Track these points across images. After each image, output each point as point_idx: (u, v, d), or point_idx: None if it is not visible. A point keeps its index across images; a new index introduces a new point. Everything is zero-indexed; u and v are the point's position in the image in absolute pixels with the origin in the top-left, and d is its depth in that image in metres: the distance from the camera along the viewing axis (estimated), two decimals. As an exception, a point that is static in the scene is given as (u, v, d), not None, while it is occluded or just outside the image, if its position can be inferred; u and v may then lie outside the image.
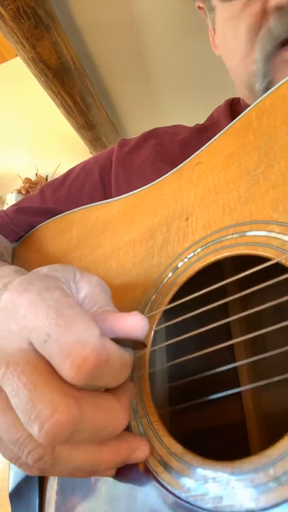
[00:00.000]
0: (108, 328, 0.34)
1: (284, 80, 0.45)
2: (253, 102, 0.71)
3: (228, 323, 0.51)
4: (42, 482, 0.47)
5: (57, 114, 2.27)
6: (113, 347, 0.32)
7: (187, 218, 0.48)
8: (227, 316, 0.39)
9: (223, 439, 0.49)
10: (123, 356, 0.33)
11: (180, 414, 0.49)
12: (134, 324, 0.34)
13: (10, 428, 0.32)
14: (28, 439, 0.31)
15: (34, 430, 0.29)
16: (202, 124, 0.83)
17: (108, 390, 0.35)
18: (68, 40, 1.81)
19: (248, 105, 0.76)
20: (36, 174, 3.19)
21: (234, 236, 0.42)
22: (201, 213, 0.47)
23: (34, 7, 1.52)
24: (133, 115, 2.47)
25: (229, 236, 0.42)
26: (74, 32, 1.85)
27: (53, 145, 2.89)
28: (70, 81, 1.96)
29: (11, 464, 0.51)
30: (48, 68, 1.83)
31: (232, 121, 0.73)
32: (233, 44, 0.67)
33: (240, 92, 0.75)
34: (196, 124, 0.84)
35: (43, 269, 0.38)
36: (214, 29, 0.78)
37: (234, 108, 0.81)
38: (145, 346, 0.37)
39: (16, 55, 2.08)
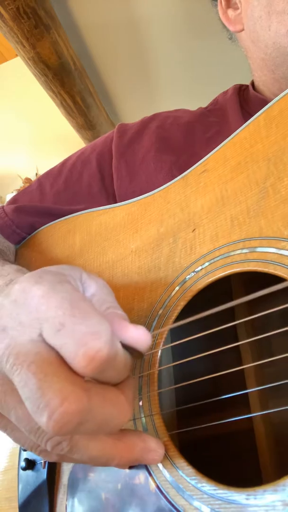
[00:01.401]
0: (114, 332, 0.34)
1: None
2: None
3: (234, 328, 0.51)
4: (52, 497, 0.46)
5: (57, 114, 2.27)
6: (120, 345, 0.33)
7: (194, 230, 0.47)
8: (233, 320, 0.39)
9: (231, 445, 0.49)
10: (126, 356, 0.34)
11: (186, 419, 0.49)
12: (138, 337, 0.35)
13: (28, 419, 0.32)
14: None
15: (43, 419, 0.28)
16: (205, 108, 0.80)
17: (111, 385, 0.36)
18: (68, 40, 1.81)
19: (259, 94, 0.75)
20: (36, 174, 3.19)
21: (244, 251, 0.41)
22: (208, 225, 0.46)
23: (34, 7, 1.51)
24: (133, 115, 2.46)
25: (238, 251, 0.41)
26: (74, 32, 1.85)
27: (53, 145, 2.89)
28: (70, 81, 1.95)
29: (19, 476, 0.51)
30: (48, 68, 1.82)
31: (240, 109, 0.72)
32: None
33: (271, 73, 0.70)
34: (199, 108, 0.81)
35: (51, 268, 0.38)
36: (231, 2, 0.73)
37: (242, 96, 0.78)
38: (142, 356, 0.38)
39: (16, 55, 2.08)
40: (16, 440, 0.38)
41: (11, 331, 0.33)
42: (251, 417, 0.47)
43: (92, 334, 0.30)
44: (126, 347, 0.34)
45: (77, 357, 0.29)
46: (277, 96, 0.66)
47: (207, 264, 0.44)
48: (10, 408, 0.33)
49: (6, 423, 0.37)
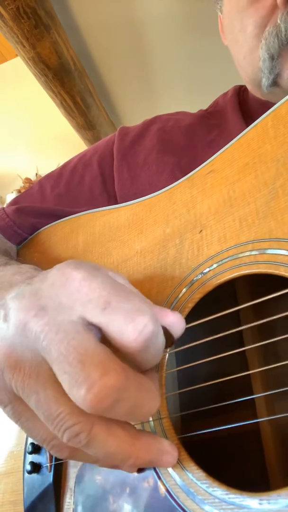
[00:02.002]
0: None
1: None
2: (260, 96, 0.71)
3: (240, 332, 0.51)
4: (58, 501, 0.46)
5: (57, 114, 2.26)
6: (160, 325, 0.33)
7: (201, 231, 0.46)
8: (239, 325, 0.39)
9: (236, 445, 0.48)
10: (163, 338, 0.34)
11: (190, 422, 0.48)
12: (174, 321, 0.36)
13: (50, 404, 0.32)
14: (68, 415, 0.32)
15: (81, 392, 0.29)
16: (205, 110, 0.80)
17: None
18: (68, 40, 1.80)
19: (255, 96, 0.75)
20: (36, 174, 3.18)
21: (253, 253, 0.40)
22: (216, 226, 0.45)
23: (34, 7, 1.51)
24: (133, 115, 2.46)
25: (248, 253, 0.41)
26: (74, 32, 1.85)
27: (53, 145, 2.89)
28: (70, 81, 1.95)
29: (24, 479, 0.50)
30: (48, 68, 1.82)
31: (239, 111, 0.72)
32: (240, 36, 0.64)
33: (247, 85, 0.73)
34: (200, 110, 0.81)
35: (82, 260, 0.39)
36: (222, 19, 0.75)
37: (241, 97, 0.78)
38: (173, 343, 0.39)
39: (16, 55, 2.07)
40: (28, 431, 0.37)
41: (50, 311, 0.33)
42: (257, 418, 0.47)
43: (138, 311, 0.31)
44: None
45: (127, 331, 0.31)
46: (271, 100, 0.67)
47: (215, 265, 0.43)
48: (32, 391, 0.33)
49: (22, 410, 0.36)
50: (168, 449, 0.37)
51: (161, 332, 0.33)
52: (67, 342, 0.31)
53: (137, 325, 0.31)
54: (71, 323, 0.32)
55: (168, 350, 0.43)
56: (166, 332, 0.36)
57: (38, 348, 0.33)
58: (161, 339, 0.33)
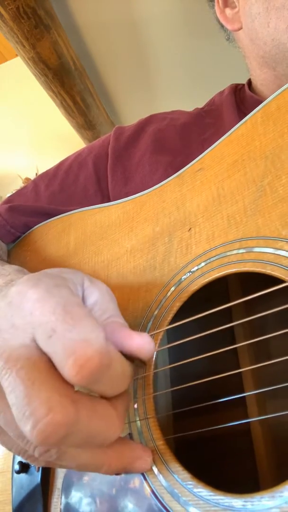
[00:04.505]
0: (115, 342, 0.34)
1: None
2: None
3: (232, 329, 0.50)
4: (46, 500, 0.46)
5: (57, 114, 2.26)
6: (117, 354, 0.32)
7: (190, 229, 0.46)
8: (231, 321, 0.38)
9: (227, 445, 0.48)
10: (125, 366, 0.33)
11: (182, 420, 0.48)
12: (142, 345, 0.34)
13: (17, 424, 0.31)
14: None
15: (27, 428, 0.28)
16: (201, 108, 0.79)
17: (105, 398, 0.34)
18: (68, 40, 1.80)
19: (254, 95, 0.74)
20: (36, 174, 3.19)
21: (241, 251, 0.40)
22: (204, 224, 0.45)
23: (34, 7, 1.51)
24: (133, 115, 2.46)
25: (235, 251, 0.40)
26: (74, 32, 1.84)
27: (53, 145, 2.89)
28: (70, 81, 1.95)
29: (13, 479, 0.50)
30: (48, 68, 1.82)
31: (236, 109, 0.71)
32: None
33: (272, 70, 0.69)
34: (196, 108, 0.80)
35: (53, 270, 0.37)
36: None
37: (238, 96, 0.77)
38: (145, 365, 0.37)
39: (16, 55, 2.07)
40: (3, 443, 0.37)
41: (3, 333, 0.32)
42: (247, 416, 0.46)
43: (83, 342, 0.29)
44: (128, 356, 0.34)
45: (66, 365, 0.28)
46: (276, 94, 0.65)
47: (203, 264, 0.43)
48: None
49: None
50: (141, 454, 0.37)
51: (116, 361, 0.31)
52: (15, 371, 0.29)
53: (79, 360, 0.28)
54: (24, 347, 0.31)
55: (155, 354, 0.43)
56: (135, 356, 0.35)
57: None
58: (117, 369, 0.31)
